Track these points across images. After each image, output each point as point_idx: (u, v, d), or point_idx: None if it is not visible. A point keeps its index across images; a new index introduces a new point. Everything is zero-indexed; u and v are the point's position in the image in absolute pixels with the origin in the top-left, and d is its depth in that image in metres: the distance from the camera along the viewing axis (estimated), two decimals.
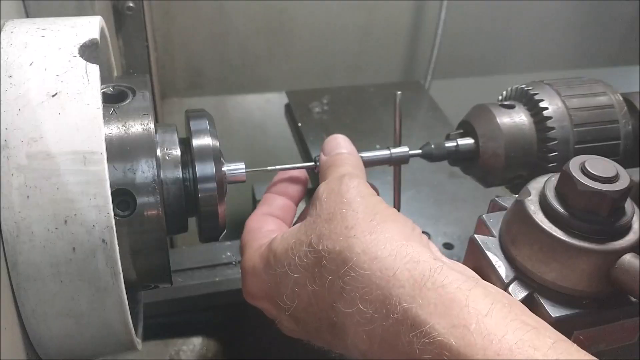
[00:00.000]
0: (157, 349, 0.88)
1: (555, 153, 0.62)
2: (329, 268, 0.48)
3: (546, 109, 0.63)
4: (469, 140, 0.65)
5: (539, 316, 0.49)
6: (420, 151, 0.66)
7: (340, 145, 0.61)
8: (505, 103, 0.66)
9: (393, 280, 0.44)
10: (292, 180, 0.64)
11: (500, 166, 0.63)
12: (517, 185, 0.67)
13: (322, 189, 0.55)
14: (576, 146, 0.62)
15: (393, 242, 0.47)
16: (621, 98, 0.65)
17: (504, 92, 0.69)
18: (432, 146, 0.66)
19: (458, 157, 0.66)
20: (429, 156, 0.66)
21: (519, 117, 0.64)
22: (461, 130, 0.67)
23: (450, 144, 0.66)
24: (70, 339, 0.47)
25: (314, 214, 0.53)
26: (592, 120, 0.63)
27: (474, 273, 0.50)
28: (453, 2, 1.48)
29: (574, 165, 0.49)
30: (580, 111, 0.63)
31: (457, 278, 0.44)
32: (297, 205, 0.64)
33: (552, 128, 0.62)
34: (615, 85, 0.70)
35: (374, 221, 0.49)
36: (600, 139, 0.63)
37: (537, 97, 0.64)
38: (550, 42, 1.70)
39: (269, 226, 0.60)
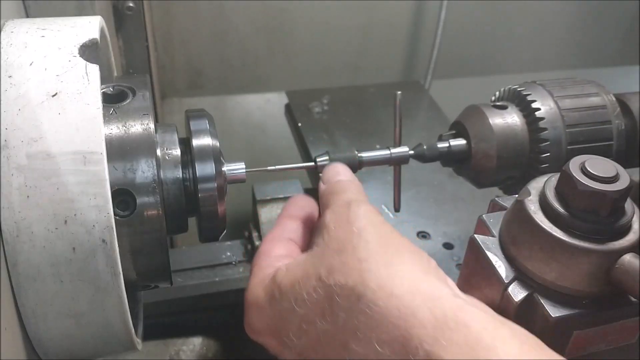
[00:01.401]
0: (157, 349, 0.88)
1: (548, 154, 0.62)
2: (340, 304, 0.44)
3: (538, 109, 0.63)
4: (461, 141, 0.65)
5: (539, 316, 0.49)
6: (412, 152, 0.66)
7: (339, 172, 0.59)
8: (498, 104, 0.66)
9: (412, 320, 0.41)
10: (305, 204, 0.61)
11: (492, 167, 0.63)
12: (510, 186, 0.67)
13: (329, 217, 0.51)
14: (569, 147, 0.62)
15: (410, 277, 0.44)
16: (614, 99, 0.65)
17: (497, 93, 0.69)
18: (425, 147, 0.65)
19: (450, 158, 0.66)
20: (421, 157, 0.66)
21: (511, 118, 0.64)
22: (454, 131, 0.67)
23: (442, 145, 0.66)
24: (70, 339, 0.47)
25: (322, 243, 0.49)
26: (585, 121, 0.63)
27: (492, 311, 0.46)
28: (453, 2, 1.48)
29: (574, 165, 0.49)
30: (573, 112, 0.63)
31: (481, 317, 0.41)
32: (311, 229, 0.60)
33: (545, 129, 0.62)
34: (616, 85, 0.70)
35: (388, 253, 0.46)
36: (592, 140, 0.63)
37: (529, 98, 0.64)
38: (551, 42, 1.70)
39: (279, 250, 0.56)
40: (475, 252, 0.54)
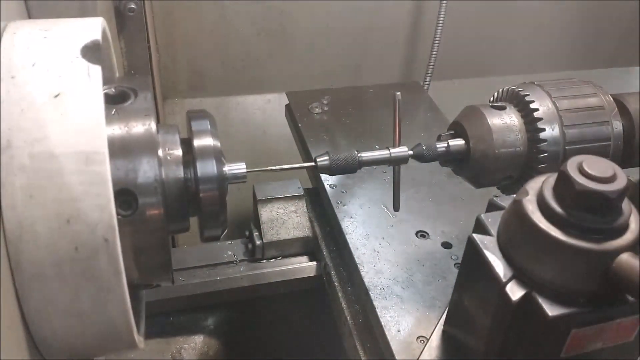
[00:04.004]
0: (159, 347, 0.89)
1: (546, 154, 0.62)
2: None
3: (537, 110, 0.63)
4: (459, 142, 0.66)
5: (537, 315, 0.49)
6: (411, 152, 0.66)
7: None
8: (496, 104, 0.66)
9: None
10: None
11: (490, 167, 0.64)
12: (508, 186, 0.68)
13: None
14: (566, 147, 0.63)
15: None
16: (611, 99, 0.66)
17: (495, 94, 0.70)
18: (424, 147, 0.66)
19: (449, 158, 0.66)
20: (420, 157, 0.66)
21: (509, 118, 0.64)
22: (452, 131, 0.68)
23: (441, 145, 0.66)
24: (73, 337, 0.47)
25: None
26: (583, 121, 0.63)
27: None
28: (452, 3, 1.48)
29: (571, 165, 0.50)
30: (571, 112, 0.63)
31: None
32: None
33: (543, 129, 0.62)
34: (615, 86, 0.70)
35: None
36: (590, 140, 0.63)
37: (527, 99, 0.64)
38: (549, 43, 1.71)
39: None
40: (473, 251, 0.55)
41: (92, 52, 0.47)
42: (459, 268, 0.61)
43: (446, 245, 0.86)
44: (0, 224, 0.42)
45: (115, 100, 0.51)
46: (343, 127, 1.11)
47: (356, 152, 0.64)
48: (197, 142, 0.55)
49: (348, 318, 0.82)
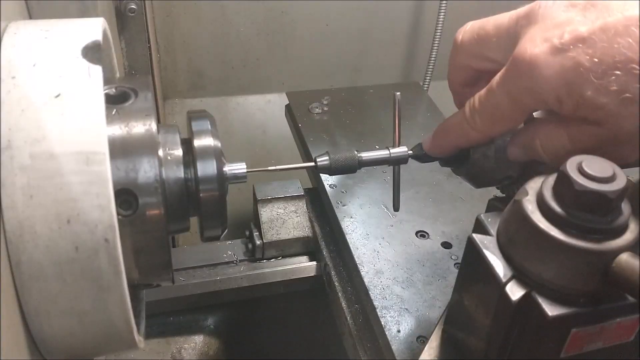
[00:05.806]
0: (159, 347, 0.89)
1: None
2: None
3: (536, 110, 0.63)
4: None
5: (537, 315, 0.49)
6: (411, 152, 0.66)
7: None
8: None
9: None
10: None
11: (490, 167, 0.64)
12: (507, 186, 0.68)
13: None
14: None
15: None
16: None
17: None
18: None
19: (449, 158, 0.66)
20: (420, 157, 0.66)
21: None
22: None
23: None
24: (73, 337, 0.47)
25: None
26: None
27: None
28: (452, 3, 1.49)
29: (571, 165, 0.50)
30: None
31: None
32: None
33: None
34: None
35: None
36: None
37: None
38: None
39: None
40: (473, 251, 0.55)
41: (92, 52, 0.47)
42: (459, 268, 0.61)
43: (446, 245, 0.86)
44: (0, 224, 0.42)
45: (115, 101, 0.51)
46: (343, 127, 1.11)
47: (356, 152, 0.64)
48: (198, 142, 0.55)
49: (348, 318, 0.82)
